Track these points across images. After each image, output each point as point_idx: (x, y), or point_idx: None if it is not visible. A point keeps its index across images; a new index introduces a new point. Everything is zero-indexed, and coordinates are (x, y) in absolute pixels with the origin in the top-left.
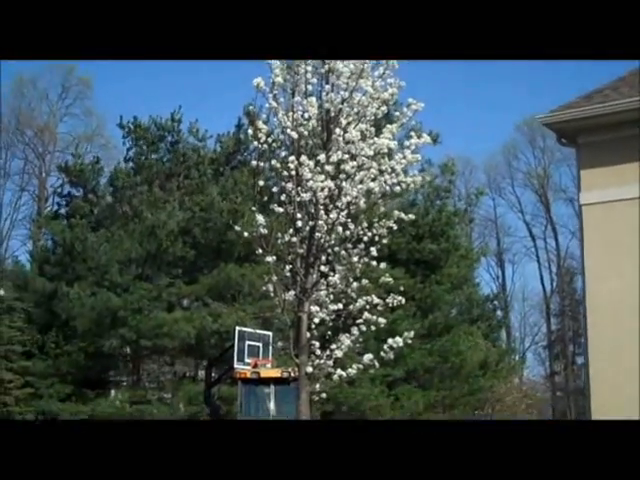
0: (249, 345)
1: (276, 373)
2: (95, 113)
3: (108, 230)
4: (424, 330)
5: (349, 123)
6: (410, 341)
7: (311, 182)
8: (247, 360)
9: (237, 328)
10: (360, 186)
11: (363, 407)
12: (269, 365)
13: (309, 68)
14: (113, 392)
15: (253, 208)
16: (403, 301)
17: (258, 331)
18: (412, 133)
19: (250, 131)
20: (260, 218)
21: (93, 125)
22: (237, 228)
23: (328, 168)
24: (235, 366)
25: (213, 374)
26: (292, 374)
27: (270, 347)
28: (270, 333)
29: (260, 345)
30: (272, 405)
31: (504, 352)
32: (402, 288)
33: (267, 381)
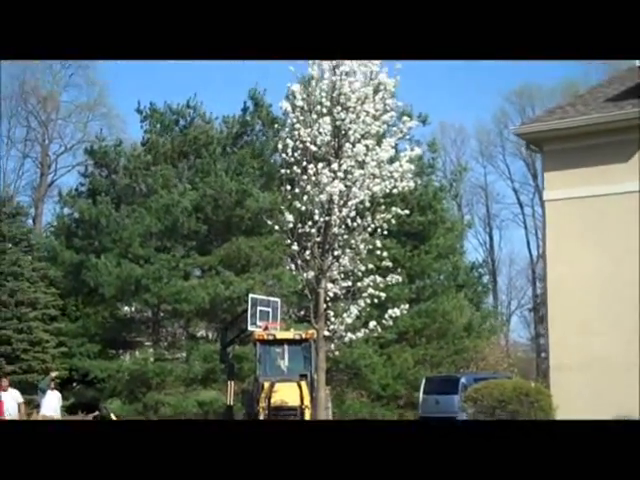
0: (260, 310)
1: (289, 335)
2: (97, 82)
3: (129, 206)
4: (413, 295)
5: (357, 140)
6: (406, 311)
7: (328, 187)
8: (259, 323)
9: (250, 295)
10: (366, 191)
11: (359, 364)
12: (278, 328)
13: (323, 93)
14: (136, 352)
15: (282, 207)
16: (400, 279)
17: (269, 298)
18: (407, 146)
19: (280, 145)
20: (288, 215)
21: (95, 94)
22: (269, 222)
23: (340, 174)
24: (249, 328)
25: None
26: (302, 336)
27: (279, 312)
28: (278, 300)
29: (270, 310)
30: (285, 362)
31: (487, 315)
32: (391, 257)
33: (281, 342)
